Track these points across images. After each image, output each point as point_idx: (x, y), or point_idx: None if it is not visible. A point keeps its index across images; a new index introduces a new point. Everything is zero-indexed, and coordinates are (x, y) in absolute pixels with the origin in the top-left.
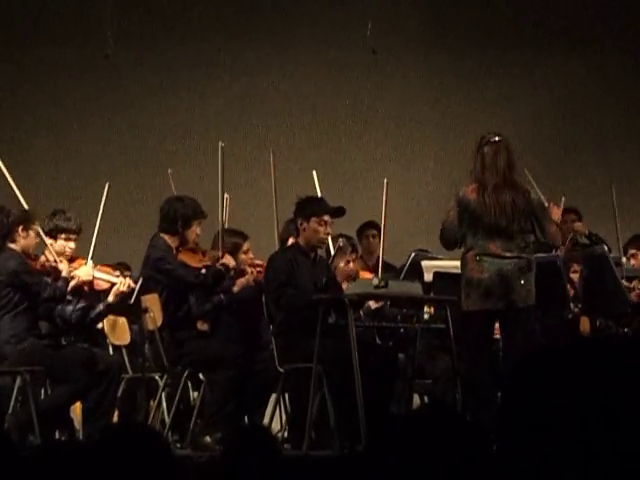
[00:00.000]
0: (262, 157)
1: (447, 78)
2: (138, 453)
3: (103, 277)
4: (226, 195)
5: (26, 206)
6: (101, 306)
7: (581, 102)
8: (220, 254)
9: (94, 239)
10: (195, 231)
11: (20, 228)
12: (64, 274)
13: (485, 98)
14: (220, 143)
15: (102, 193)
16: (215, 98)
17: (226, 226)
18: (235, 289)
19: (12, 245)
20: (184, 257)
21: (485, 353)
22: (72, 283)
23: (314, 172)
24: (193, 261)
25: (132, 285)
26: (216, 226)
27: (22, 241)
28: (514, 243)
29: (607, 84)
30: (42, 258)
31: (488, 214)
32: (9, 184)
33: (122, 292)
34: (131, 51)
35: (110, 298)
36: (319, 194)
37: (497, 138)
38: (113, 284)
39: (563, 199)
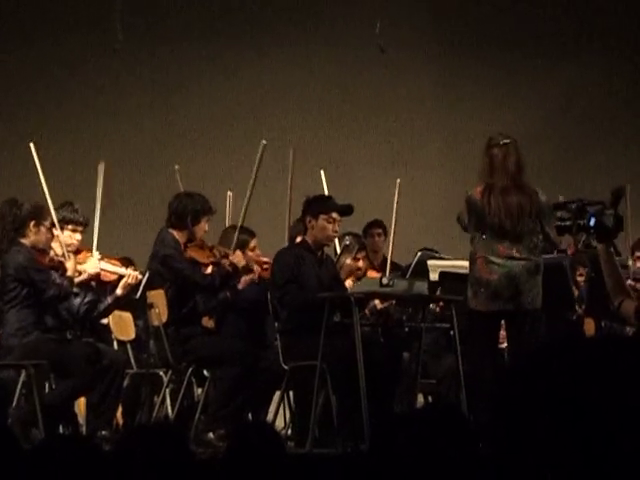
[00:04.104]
0: (271, 155)
1: (456, 77)
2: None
3: (110, 269)
4: (229, 193)
5: (50, 201)
6: (109, 299)
7: (590, 103)
8: (232, 251)
9: (96, 225)
10: (203, 227)
11: (32, 223)
12: (69, 273)
13: (494, 97)
14: (262, 141)
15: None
16: (226, 94)
17: (232, 223)
18: (240, 286)
19: (22, 240)
20: (192, 253)
21: (489, 353)
22: (79, 278)
23: (322, 171)
24: (201, 257)
25: (139, 277)
26: (223, 223)
27: (33, 236)
28: (523, 244)
29: (616, 86)
30: (51, 252)
31: (494, 216)
32: (38, 176)
33: (130, 284)
34: (140, 45)
35: (118, 291)
36: (326, 193)
37: (506, 140)
38: (121, 276)
39: (561, 198)
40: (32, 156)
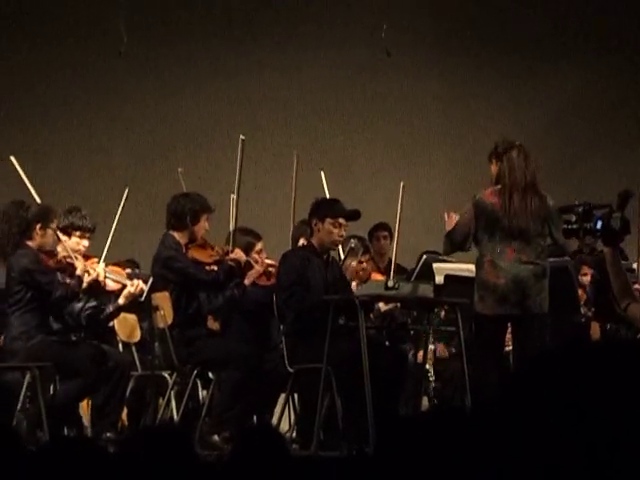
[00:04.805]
0: (275, 157)
1: (461, 81)
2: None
3: (114, 278)
4: (233, 195)
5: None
6: (111, 307)
7: (592, 105)
8: (230, 248)
9: (109, 241)
10: (203, 226)
11: (38, 226)
12: (78, 272)
13: (497, 100)
14: (241, 136)
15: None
16: (230, 98)
17: (236, 226)
18: (246, 281)
19: (28, 242)
20: (195, 253)
21: (495, 357)
22: (88, 278)
23: (322, 172)
24: (204, 256)
25: (143, 287)
26: (228, 225)
27: (39, 239)
28: (531, 247)
29: (618, 87)
30: (58, 255)
31: (509, 216)
32: (24, 182)
33: (133, 295)
34: (145, 48)
35: (121, 300)
36: (327, 195)
37: (519, 142)
38: (124, 285)
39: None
40: (15, 169)
